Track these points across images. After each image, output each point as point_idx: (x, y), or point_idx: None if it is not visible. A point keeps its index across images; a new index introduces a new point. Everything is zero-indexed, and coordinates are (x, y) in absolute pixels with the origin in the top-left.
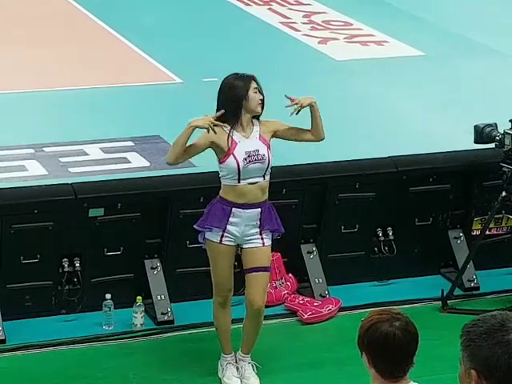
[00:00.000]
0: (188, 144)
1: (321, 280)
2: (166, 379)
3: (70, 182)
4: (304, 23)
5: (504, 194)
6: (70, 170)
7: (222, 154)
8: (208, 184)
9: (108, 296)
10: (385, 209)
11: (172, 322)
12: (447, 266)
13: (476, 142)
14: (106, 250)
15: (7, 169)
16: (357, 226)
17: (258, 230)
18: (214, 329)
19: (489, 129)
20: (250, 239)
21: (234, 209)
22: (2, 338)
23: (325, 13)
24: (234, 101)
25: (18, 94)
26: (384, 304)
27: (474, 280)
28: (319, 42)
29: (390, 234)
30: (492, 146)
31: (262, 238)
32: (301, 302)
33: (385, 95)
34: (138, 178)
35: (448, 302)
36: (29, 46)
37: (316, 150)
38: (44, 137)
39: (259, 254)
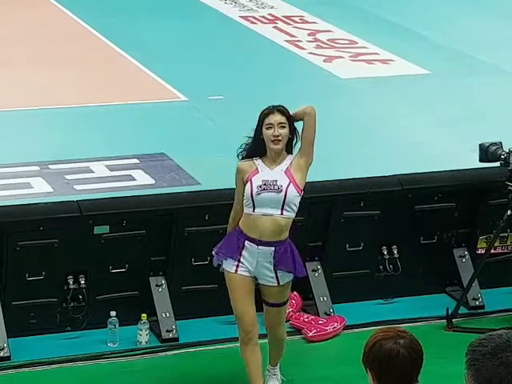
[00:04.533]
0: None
1: (326, 298)
2: None
3: (75, 199)
4: (309, 41)
5: (509, 212)
6: (75, 187)
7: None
8: (213, 202)
9: (113, 313)
10: (390, 227)
11: (177, 339)
12: (452, 285)
13: (481, 160)
14: (111, 267)
15: (13, 186)
16: (362, 244)
17: (272, 268)
18: (219, 346)
19: (494, 147)
20: (265, 277)
21: (246, 242)
22: (7, 354)
23: (330, 31)
24: (255, 135)
25: (23, 112)
26: (389, 322)
27: (479, 298)
28: (324, 61)
29: (395, 252)
30: (497, 164)
31: (277, 278)
32: (306, 319)
33: (390, 113)
34: (143, 195)
35: (453, 320)
36: (34, 65)
37: (321, 168)
38: (49, 154)
39: (273, 292)
